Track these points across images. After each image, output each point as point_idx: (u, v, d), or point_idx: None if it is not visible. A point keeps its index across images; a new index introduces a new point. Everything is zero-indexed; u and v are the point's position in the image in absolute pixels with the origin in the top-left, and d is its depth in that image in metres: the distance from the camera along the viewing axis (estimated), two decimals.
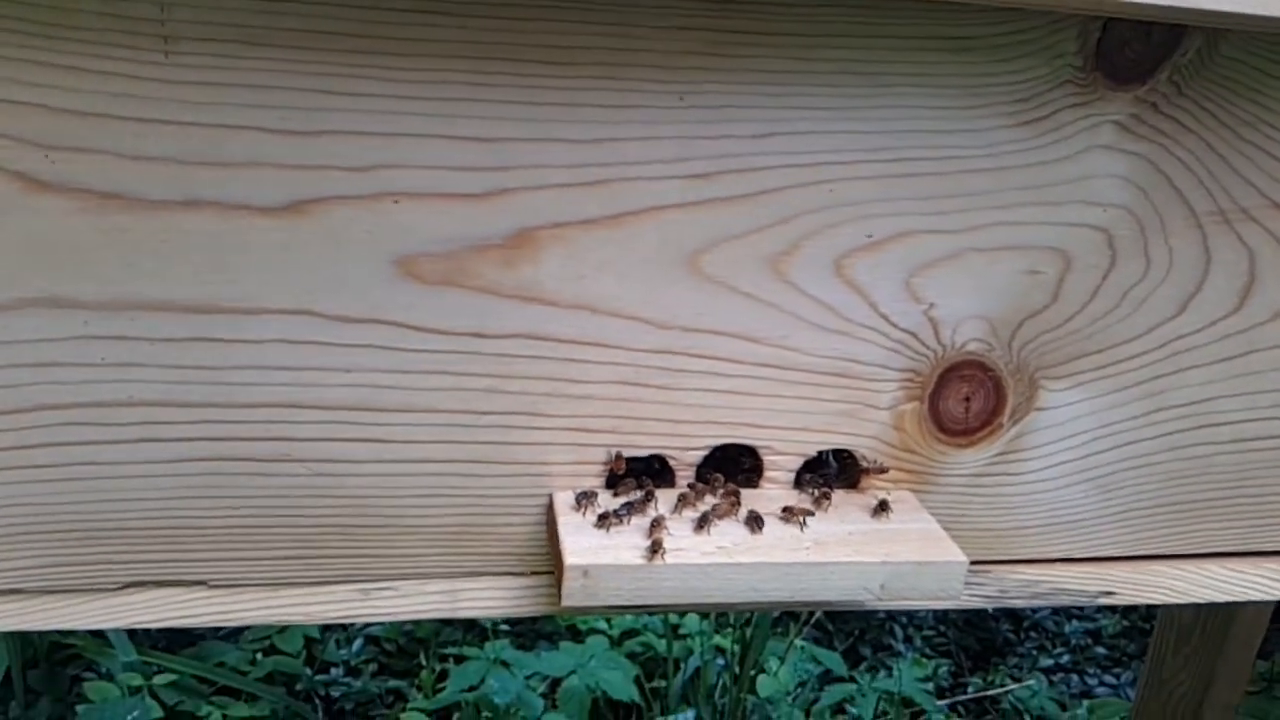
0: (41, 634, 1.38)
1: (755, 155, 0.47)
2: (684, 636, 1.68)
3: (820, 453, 0.55)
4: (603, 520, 0.49)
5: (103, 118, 0.41)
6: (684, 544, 0.48)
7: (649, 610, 0.51)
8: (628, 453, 0.52)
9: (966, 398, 0.54)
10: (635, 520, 0.50)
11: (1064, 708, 1.78)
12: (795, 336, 0.51)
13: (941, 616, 2.05)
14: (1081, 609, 2.10)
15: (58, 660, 1.42)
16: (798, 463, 0.54)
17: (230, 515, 0.48)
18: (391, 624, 1.76)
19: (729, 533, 0.50)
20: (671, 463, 0.53)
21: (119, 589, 0.49)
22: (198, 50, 0.41)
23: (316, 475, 0.48)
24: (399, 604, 0.52)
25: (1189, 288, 0.54)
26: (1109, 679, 1.98)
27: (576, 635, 1.70)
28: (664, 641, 1.63)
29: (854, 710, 1.65)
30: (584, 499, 0.50)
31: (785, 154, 0.47)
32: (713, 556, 0.48)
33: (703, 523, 0.50)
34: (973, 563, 0.52)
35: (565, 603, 0.46)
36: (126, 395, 0.45)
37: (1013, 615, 2.08)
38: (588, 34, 0.43)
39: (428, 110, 0.43)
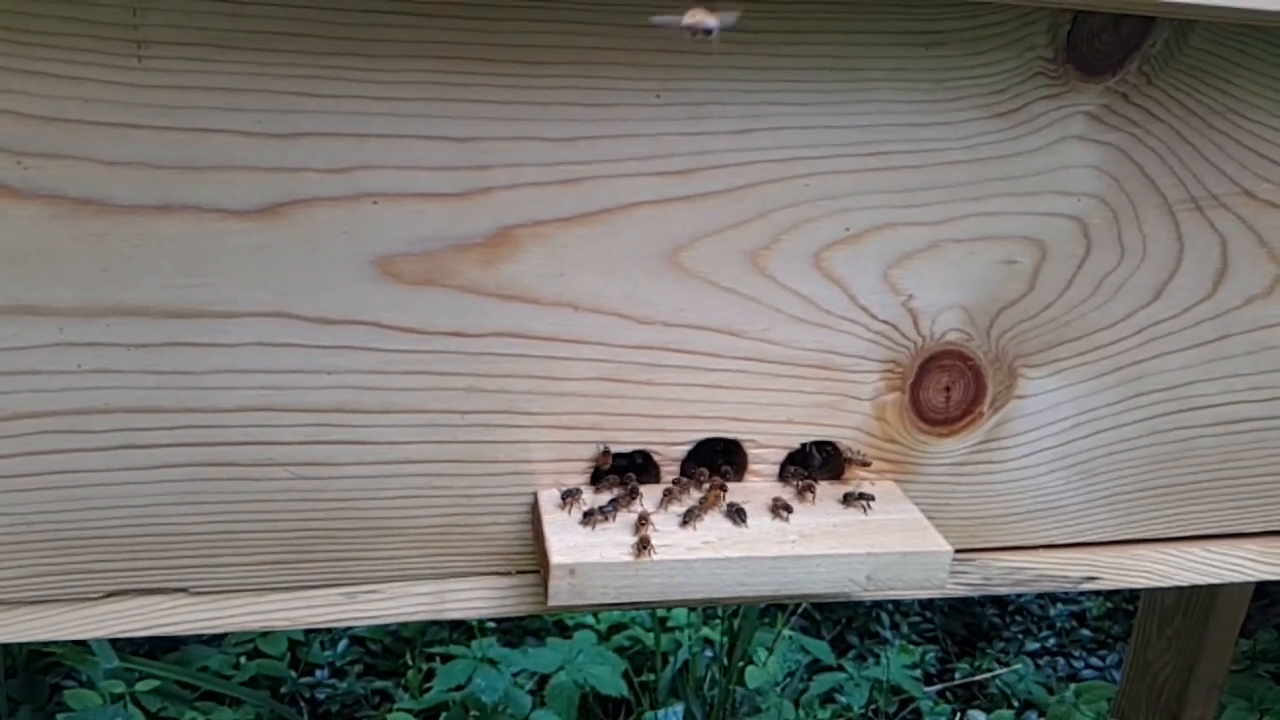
0: (22, 644, 1.37)
1: (733, 151, 0.47)
2: (672, 630, 1.68)
3: (804, 445, 0.55)
4: (588, 518, 0.49)
5: (75, 123, 0.41)
6: (670, 540, 0.49)
7: (636, 607, 0.51)
8: (612, 449, 0.52)
9: (947, 387, 0.55)
10: (620, 517, 0.50)
11: (1051, 691, 1.80)
12: (776, 330, 0.51)
13: (927, 603, 2.06)
14: (1066, 592, 2.12)
15: (37, 669, 1.41)
16: (781, 455, 0.55)
17: (211, 521, 0.48)
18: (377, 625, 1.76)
19: (714, 527, 0.50)
20: (656, 458, 0.53)
21: (101, 598, 0.48)
22: (169, 54, 0.40)
23: (298, 479, 0.48)
24: (385, 607, 0.52)
25: (1163, 275, 0.55)
26: (1095, 661, 1.99)
27: (564, 631, 1.70)
28: (652, 635, 1.63)
29: (843, 699, 1.65)
30: (569, 497, 0.50)
31: (763, 150, 0.47)
32: (699, 552, 0.48)
33: (688, 518, 0.50)
34: (957, 551, 0.53)
35: (552, 602, 0.46)
36: (104, 402, 0.44)
37: (998, 600, 2.10)
38: (559, 33, 0.43)
39: (402, 111, 0.43)
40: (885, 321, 0.52)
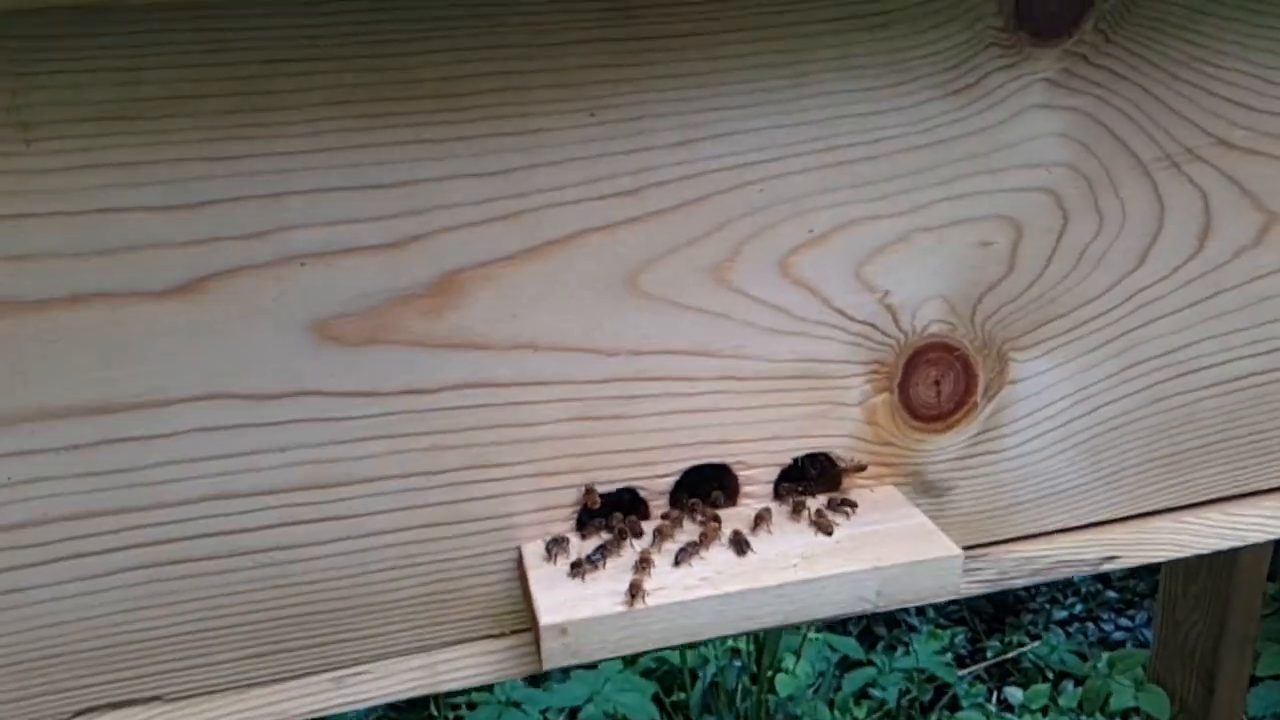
0: None
1: (678, 164, 0.44)
2: (697, 646, 1.65)
3: (795, 460, 0.52)
4: (576, 569, 0.46)
5: None
6: (666, 581, 0.46)
7: (643, 653, 0.48)
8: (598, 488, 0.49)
9: (936, 381, 0.52)
10: (611, 563, 0.47)
11: (1084, 658, 1.77)
12: (751, 344, 0.48)
13: None
14: (1086, 575, 2.09)
15: None
16: (773, 474, 0.52)
17: (178, 622, 0.45)
18: None
19: (712, 561, 0.47)
20: (642, 494, 0.50)
21: (69, 719, 0.45)
22: (59, 134, 0.38)
23: (263, 566, 0.45)
24: (375, 687, 0.49)
25: (1146, 238, 0.52)
26: (1124, 622, 1.97)
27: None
28: (678, 654, 1.60)
29: (878, 694, 1.62)
30: (554, 546, 0.48)
31: (710, 159, 0.45)
32: (697, 590, 0.45)
33: (684, 554, 0.47)
34: (967, 548, 0.50)
35: (547, 665, 0.44)
36: (42, 513, 0.42)
37: None
38: (477, 60, 0.41)
39: (319, 163, 0.40)
40: (864, 321, 0.49)
